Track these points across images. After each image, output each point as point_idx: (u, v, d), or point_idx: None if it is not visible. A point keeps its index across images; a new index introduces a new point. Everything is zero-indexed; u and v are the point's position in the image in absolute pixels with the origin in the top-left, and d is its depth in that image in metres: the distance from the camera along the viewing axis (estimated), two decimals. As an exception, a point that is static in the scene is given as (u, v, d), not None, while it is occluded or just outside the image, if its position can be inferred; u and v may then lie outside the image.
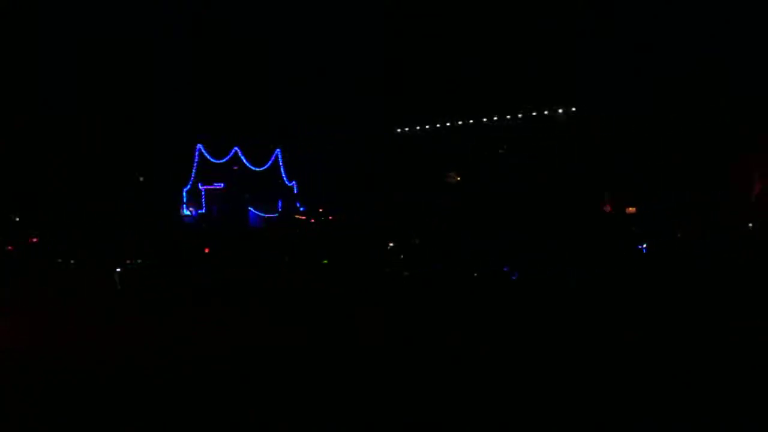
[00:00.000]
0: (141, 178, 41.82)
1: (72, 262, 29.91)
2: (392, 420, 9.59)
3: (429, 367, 11.91)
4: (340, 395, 10.53)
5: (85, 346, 14.27)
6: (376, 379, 11.21)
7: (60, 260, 29.60)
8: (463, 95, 38.03)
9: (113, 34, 37.56)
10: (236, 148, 44.59)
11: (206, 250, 35.43)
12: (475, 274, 23.44)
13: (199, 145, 43.66)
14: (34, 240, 34.09)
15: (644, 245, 28.77)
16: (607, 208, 37.05)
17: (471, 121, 42.06)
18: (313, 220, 42.90)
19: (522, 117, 40.30)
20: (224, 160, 44.47)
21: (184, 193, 44.03)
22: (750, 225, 30.06)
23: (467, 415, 9.79)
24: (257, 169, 45.25)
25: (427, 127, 42.33)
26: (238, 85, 40.47)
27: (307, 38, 38.25)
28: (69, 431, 9.55)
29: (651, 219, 34.43)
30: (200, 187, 44.09)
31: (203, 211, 43.81)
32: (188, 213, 43.58)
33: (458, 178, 43.01)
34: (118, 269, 28.57)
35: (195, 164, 43.90)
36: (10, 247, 32.40)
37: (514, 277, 22.73)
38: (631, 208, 36.52)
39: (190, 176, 43.97)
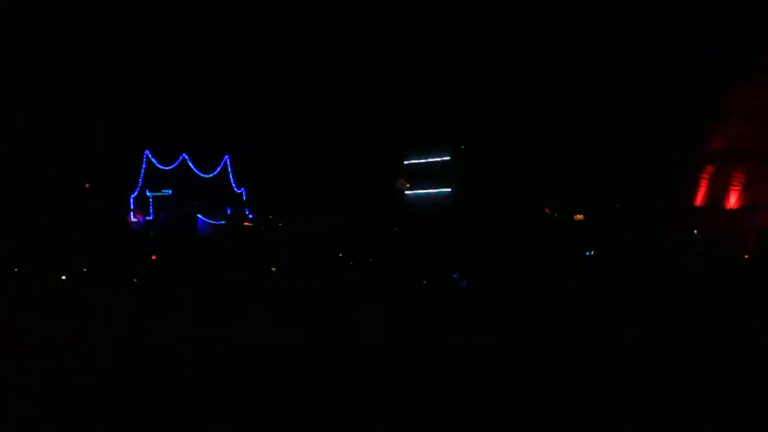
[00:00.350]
0: (87, 185, 40.71)
1: (15, 270, 28.91)
2: (392, 420, 9.63)
3: (429, 367, 12.23)
4: (340, 395, 10.66)
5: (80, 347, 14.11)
6: (376, 379, 11.40)
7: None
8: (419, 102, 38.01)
9: (113, 34, 36.95)
10: (184, 155, 44.60)
11: (153, 258, 34.91)
12: (425, 282, 23.53)
13: (147, 152, 43.14)
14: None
15: (591, 252, 29.30)
16: (554, 215, 37.28)
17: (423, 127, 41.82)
18: (262, 228, 42.58)
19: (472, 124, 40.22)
20: (172, 166, 44.41)
21: (132, 200, 43.64)
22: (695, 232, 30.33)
23: (467, 415, 9.85)
24: (206, 176, 45.28)
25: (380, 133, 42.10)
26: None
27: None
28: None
29: (600, 226, 34.40)
30: (148, 193, 43.77)
31: (151, 218, 43.39)
32: (135, 220, 43.36)
33: (408, 185, 43.10)
34: (63, 276, 27.83)
35: (142, 171, 43.53)
36: None
37: (463, 284, 22.74)
38: (579, 215, 37.10)
39: (138, 183, 43.53)
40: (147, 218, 43.31)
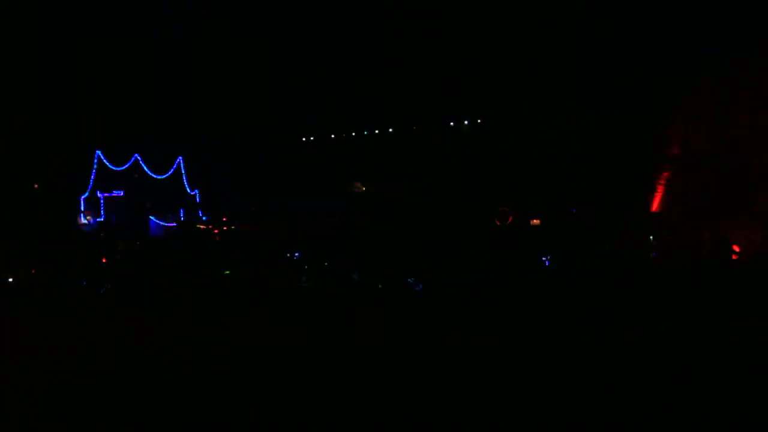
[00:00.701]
0: (36, 185, 39.73)
1: None
2: (392, 420, 9.71)
3: (429, 367, 12.72)
4: (340, 395, 10.79)
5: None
6: (376, 379, 11.60)
7: None
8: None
9: (113, 34, 36.41)
10: (136, 155, 44.00)
11: (104, 260, 34.29)
12: (380, 286, 23.50)
13: (98, 152, 42.39)
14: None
15: (547, 258, 29.49)
16: (509, 219, 37.06)
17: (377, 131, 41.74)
18: (216, 231, 41.90)
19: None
20: (124, 167, 43.98)
21: (82, 201, 42.80)
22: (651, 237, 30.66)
23: (467, 415, 9.91)
24: (158, 177, 44.90)
25: (332, 136, 41.96)
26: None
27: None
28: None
29: (557, 231, 34.48)
30: (99, 194, 43.05)
31: (102, 219, 42.92)
32: (86, 221, 42.89)
33: (363, 188, 42.73)
34: (10, 279, 27.26)
35: (93, 171, 42.93)
36: None
37: (418, 289, 22.71)
38: (535, 220, 37.05)
39: (89, 183, 42.57)
40: (98, 219, 42.79)
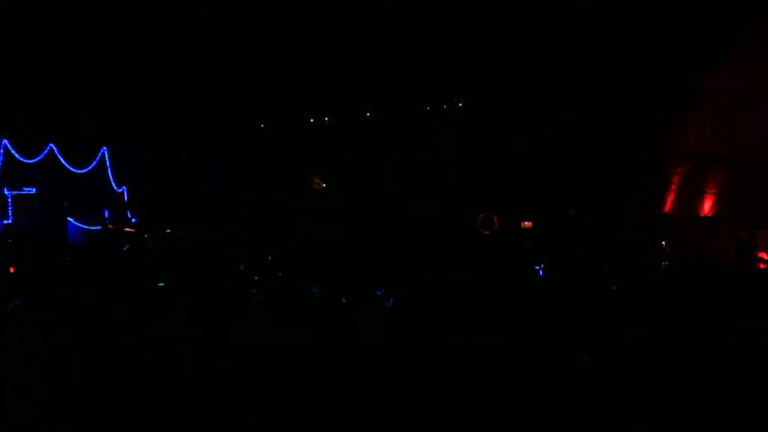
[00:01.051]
0: None
1: None
2: (392, 420, 11.18)
3: (429, 367, 13.49)
4: (340, 395, 12.10)
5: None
6: (376, 379, 12.90)
7: None
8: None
9: (113, 34, 37.87)
10: (51, 145, 43.14)
11: (12, 270, 34.74)
12: (344, 300, 22.93)
13: (5, 141, 41.64)
14: None
15: (541, 265, 30.28)
16: (494, 225, 38.56)
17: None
18: (147, 235, 42.40)
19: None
20: (37, 159, 42.92)
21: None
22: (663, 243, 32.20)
23: (467, 415, 11.48)
24: (78, 171, 44.17)
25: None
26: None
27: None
28: (68, 431, 10.95)
29: (550, 235, 34.80)
30: (6, 192, 42.04)
31: (9, 221, 41.83)
32: None
33: (323, 185, 44.06)
34: None
35: (0, 165, 41.82)
36: None
37: (389, 303, 22.86)
38: (527, 223, 38.09)
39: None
40: (4, 222, 41.51)
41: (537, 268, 30.66)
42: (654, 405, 11.58)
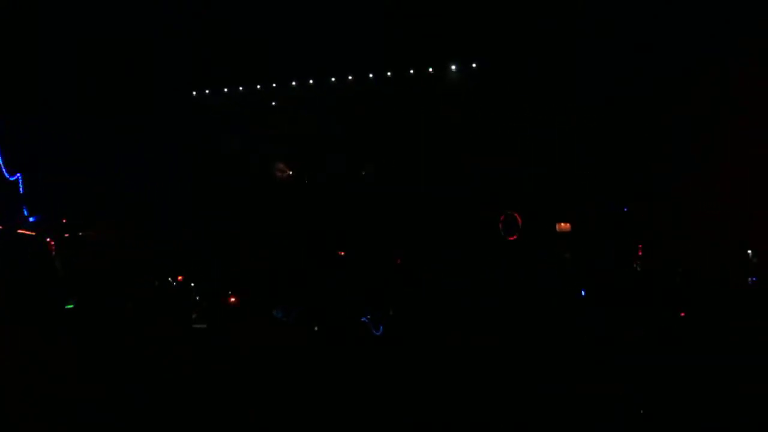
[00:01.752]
0: None
1: None
2: (392, 420, 11.10)
3: (429, 367, 13.45)
4: (340, 395, 12.05)
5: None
6: (376, 379, 12.91)
7: None
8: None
9: (113, 34, 37.77)
10: None
11: None
12: (316, 328, 18.85)
13: None
14: None
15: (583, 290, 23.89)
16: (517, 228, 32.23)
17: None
18: (49, 239, 32.67)
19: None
20: None
21: None
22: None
23: (467, 415, 11.43)
24: None
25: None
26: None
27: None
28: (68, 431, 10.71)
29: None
30: None
31: None
32: None
33: (289, 172, 36.60)
34: None
35: None
36: None
37: (377, 333, 19.18)
38: (564, 224, 30.94)
39: None
40: None
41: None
42: (654, 405, 11.61)
